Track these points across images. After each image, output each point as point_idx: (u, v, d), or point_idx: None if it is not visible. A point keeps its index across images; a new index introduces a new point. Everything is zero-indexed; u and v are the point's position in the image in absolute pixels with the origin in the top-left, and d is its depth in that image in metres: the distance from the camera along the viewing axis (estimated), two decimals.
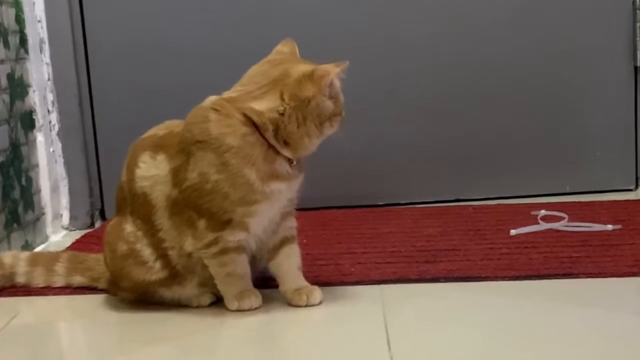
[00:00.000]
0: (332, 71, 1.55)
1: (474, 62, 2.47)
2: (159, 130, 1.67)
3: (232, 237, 1.58)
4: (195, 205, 1.56)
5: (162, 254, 1.62)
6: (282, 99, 1.54)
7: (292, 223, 1.67)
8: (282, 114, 1.54)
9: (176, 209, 1.59)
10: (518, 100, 2.49)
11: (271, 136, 1.55)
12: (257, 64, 1.62)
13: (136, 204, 1.63)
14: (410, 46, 2.45)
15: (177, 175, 1.58)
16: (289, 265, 1.65)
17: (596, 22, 2.47)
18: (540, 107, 2.50)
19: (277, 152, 1.56)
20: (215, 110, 1.56)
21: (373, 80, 2.42)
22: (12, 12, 2.19)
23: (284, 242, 1.65)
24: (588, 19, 2.46)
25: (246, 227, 1.58)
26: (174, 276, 1.63)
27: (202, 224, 1.57)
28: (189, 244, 1.60)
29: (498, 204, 2.42)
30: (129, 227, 1.63)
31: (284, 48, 1.65)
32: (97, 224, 2.44)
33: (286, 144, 1.56)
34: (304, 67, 1.57)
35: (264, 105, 1.54)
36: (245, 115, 1.54)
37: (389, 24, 2.45)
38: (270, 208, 1.59)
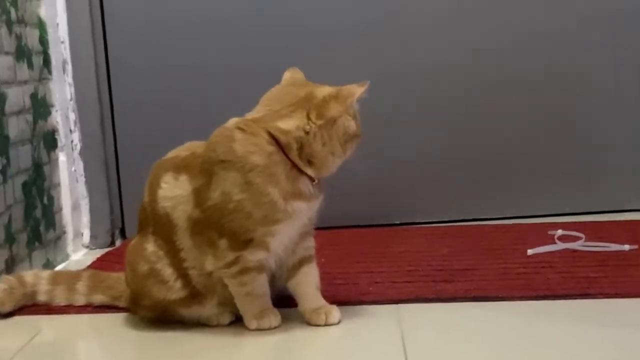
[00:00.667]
0: (357, 91, 1.58)
1: (489, 81, 2.46)
2: (180, 151, 1.67)
3: (253, 256, 1.58)
4: (216, 225, 1.56)
5: (182, 274, 1.61)
6: (309, 118, 1.56)
7: (310, 243, 1.66)
8: (308, 133, 1.55)
9: (197, 229, 1.59)
10: (534, 118, 2.48)
11: (296, 155, 1.56)
12: (276, 87, 1.64)
13: (158, 224, 1.63)
14: (426, 65, 2.45)
15: (199, 195, 1.58)
16: (307, 285, 1.65)
17: (610, 39, 2.45)
18: (556, 126, 2.48)
19: (300, 172, 1.57)
20: (241, 129, 1.57)
21: (388, 99, 2.41)
22: (36, 33, 2.20)
23: (303, 261, 1.65)
24: (602, 37, 2.45)
25: (267, 247, 1.58)
26: (194, 295, 1.62)
27: (223, 243, 1.57)
28: (209, 264, 1.59)
29: (514, 223, 2.41)
30: (150, 247, 1.63)
31: (295, 74, 1.67)
32: (118, 243, 2.45)
33: (310, 163, 1.57)
34: (329, 88, 1.59)
35: (291, 124, 1.56)
36: (270, 134, 1.55)
37: (407, 46, 2.45)
38: (291, 227, 1.59)
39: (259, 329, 1.62)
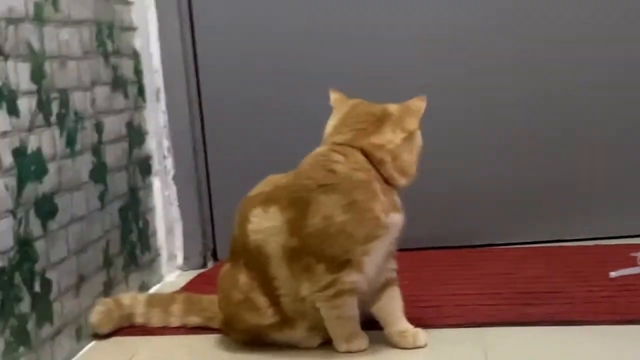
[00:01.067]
0: (423, 106, 1.68)
1: (568, 103, 2.44)
2: (264, 187, 1.71)
3: (349, 277, 1.60)
4: (316, 251, 1.59)
5: (275, 301, 1.65)
6: (394, 132, 1.64)
7: (393, 265, 1.69)
8: (398, 146, 1.63)
9: (294, 257, 1.62)
10: (614, 138, 2.45)
11: (390, 167, 1.63)
12: (343, 110, 1.70)
13: (250, 257, 1.67)
14: (499, 85, 2.44)
15: (294, 225, 1.61)
16: (392, 308, 1.67)
17: None
18: (635, 146, 2.45)
19: (389, 185, 1.63)
20: (337, 151, 1.63)
21: (467, 120, 2.42)
22: (131, 63, 2.24)
23: (386, 284, 1.67)
24: None
25: (361, 268, 1.60)
26: (286, 321, 1.66)
27: (320, 267, 1.60)
28: (305, 289, 1.62)
29: (596, 245, 2.38)
30: (243, 278, 1.67)
31: (341, 95, 1.74)
32: (210, 264, 2.46)
33: (400, 174, 1.64)
34: (397, 105, 1.68)
35: (383, 139, 1.63)
36: (363, 152, 1.62)
37: (477, 68, 2.44)
38: (385, 244, 1.62)
39: (348, 352, 1.64)
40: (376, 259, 1.63)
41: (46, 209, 1.69)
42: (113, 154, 2.06)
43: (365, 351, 1.64)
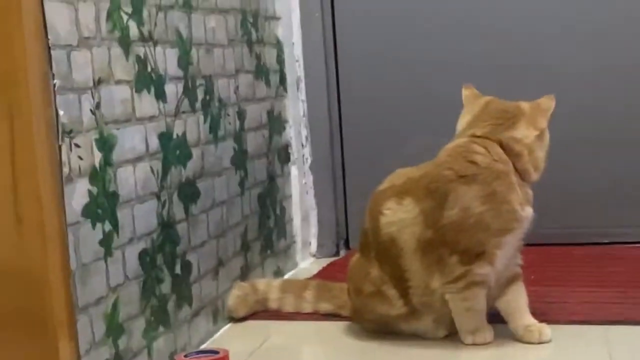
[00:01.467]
0: (553, 105, 1.68)
1: None
2: (394, 180, 1.72)
3: (480, 270, 1.61)
4: (451, 242, 1.60)
5: (404, 293, 1.65)
6: (528, 129, 1.65)
7: (519, 260, 1.69)
8: (532, 142, 1.65)
9: (428, 248, 1.62)
10: None
11: (527, 161, 1.64)
12: (476, 105, 1.70)
13: (382, 249, 1.67)
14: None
15: (429, 216, 1.61)
16: (518, 303, 1.67)
17: None
18: None
19: (522, 179, 1.64)
20: (476, 143, 1.63)
21: (597, 116, 2.35)
22: (273, 52, 2.26)
23: (512, 279, 1.67)
24: None
25: (493, 260, 1.61)
26: (413, 312, 1.67)
27: (453, 259, 1.60)
28: (436, 280, 1.63)
29: None
30: (374, 272, 1.69)
31: (474, 90, 1.75)
32: (342, 253, 2.48)
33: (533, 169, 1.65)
34: (529, 102, 1.68)
35: (521, 134, 1.64)
36: (500, 145, 1.63)
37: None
38: (517, 237, 1.64)
39: (474, 344, 1.65)
40: (507, 252, 1.63)
41: (189, 193, 1.72)
42: (254, 142, 2.09)
43: (490, 344, 1.64)
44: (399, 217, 1.64)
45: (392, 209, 1.66)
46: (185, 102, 1.73)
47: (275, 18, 2.28)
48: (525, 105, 1.68)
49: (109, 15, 1.46)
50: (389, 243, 1.65)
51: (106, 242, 1.43)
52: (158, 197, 1.60)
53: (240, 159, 2.00)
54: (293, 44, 2.38)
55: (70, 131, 1.34)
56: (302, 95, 2.40)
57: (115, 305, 1.44)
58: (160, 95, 1.63)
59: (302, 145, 2.41)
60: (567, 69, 2.37)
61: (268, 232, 2.16)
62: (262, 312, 1.91)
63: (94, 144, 1.40)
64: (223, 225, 1.88)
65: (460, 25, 2.42)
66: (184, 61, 1.73)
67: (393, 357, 1.66)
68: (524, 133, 1.64)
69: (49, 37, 1.29)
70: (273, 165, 2.23)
